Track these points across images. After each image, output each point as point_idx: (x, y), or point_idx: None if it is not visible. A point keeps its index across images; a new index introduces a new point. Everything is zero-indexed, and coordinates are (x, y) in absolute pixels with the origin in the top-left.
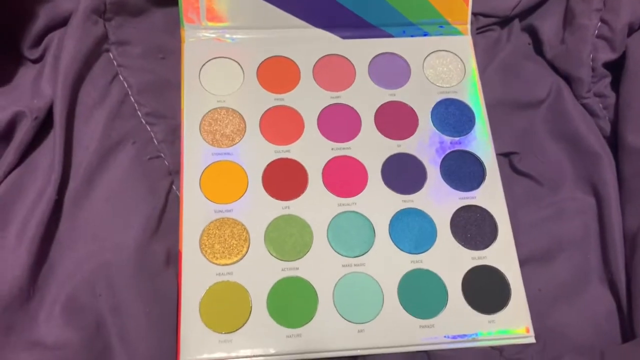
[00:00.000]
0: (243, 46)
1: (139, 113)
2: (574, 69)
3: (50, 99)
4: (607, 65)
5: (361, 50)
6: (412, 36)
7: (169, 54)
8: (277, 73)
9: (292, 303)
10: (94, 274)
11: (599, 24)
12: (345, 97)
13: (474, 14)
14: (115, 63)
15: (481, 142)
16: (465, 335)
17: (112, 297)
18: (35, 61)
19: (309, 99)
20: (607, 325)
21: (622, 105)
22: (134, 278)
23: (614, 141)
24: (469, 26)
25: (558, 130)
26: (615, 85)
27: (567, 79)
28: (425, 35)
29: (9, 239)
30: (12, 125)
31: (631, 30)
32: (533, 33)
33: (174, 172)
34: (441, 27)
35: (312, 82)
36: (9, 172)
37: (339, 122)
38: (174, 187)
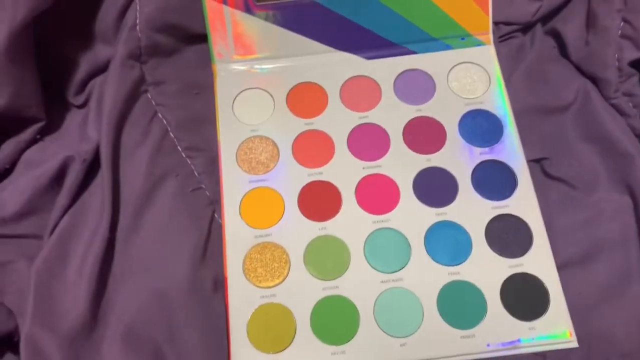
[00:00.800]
0: (272, 75)
1: (179, 148)
2: (600, 71)
3: (96, 142)
4: (634, 64)
5: (385, 69)
6: (435, 51)
7: (202, 89)
8: (305, 98)
9: (335, 321)
10: (148, 304)
11: (622, 23)
12: (372, 116)
13: (495, 23)
14: (153, 103)
15: (511, 150)
16: (506, 344)
17: (167, 325)
18: (81, 106)
19: (337, 121)
20: None
21: None
22: (186, 305)
23: None
24: (491, 36)
25: (588, 132)
26: None
27: (594, 80)
28: (447, 48)
29: (69, 276)
30: (63, 170)
31: None
32: (557, 36)
33: (215, 202)
34: (463, 39)
35: (339, 104)
36: (64, 214)
37: (368, 141)
38: (215, 215)
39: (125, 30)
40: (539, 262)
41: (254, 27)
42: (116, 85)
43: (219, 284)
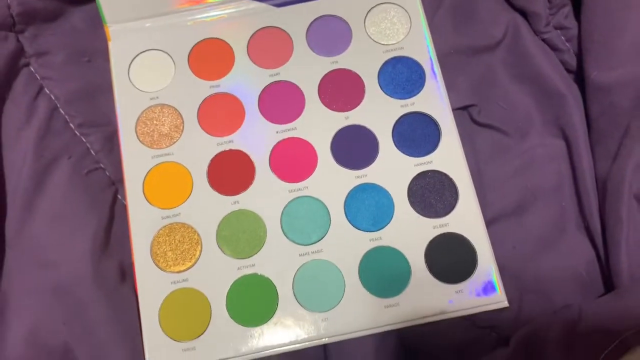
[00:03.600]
0: (170, 34)
1: (71, 125)
2: (528, 3)
3: None
4: None
5: (297, 17)
6: None
7: (94, 56)
8: (209, 58)
9: (252, 301)
10: (50, 305)
11: None
12: (284, 73)
13: None
14: (37, 76)
15: (434, 99)
16: (433, 309)
17: (75, 324)
18: None
19: (246, 81)
20: (588, 276)
21: (584, 37)
22: (92, 301)
23: (582, 76)
24: None
25: (519, 71)
26: (579, 13)
27: (524, 14)
28: None
29: None
30: None
31: None
32: None
33: (117, 181)
34: None
35: (247, 61)
36: None
37: (281, 102)
38: (119, 196)
39: None
40: (466, 219)
41: None
42: None
43: (128, 273)
